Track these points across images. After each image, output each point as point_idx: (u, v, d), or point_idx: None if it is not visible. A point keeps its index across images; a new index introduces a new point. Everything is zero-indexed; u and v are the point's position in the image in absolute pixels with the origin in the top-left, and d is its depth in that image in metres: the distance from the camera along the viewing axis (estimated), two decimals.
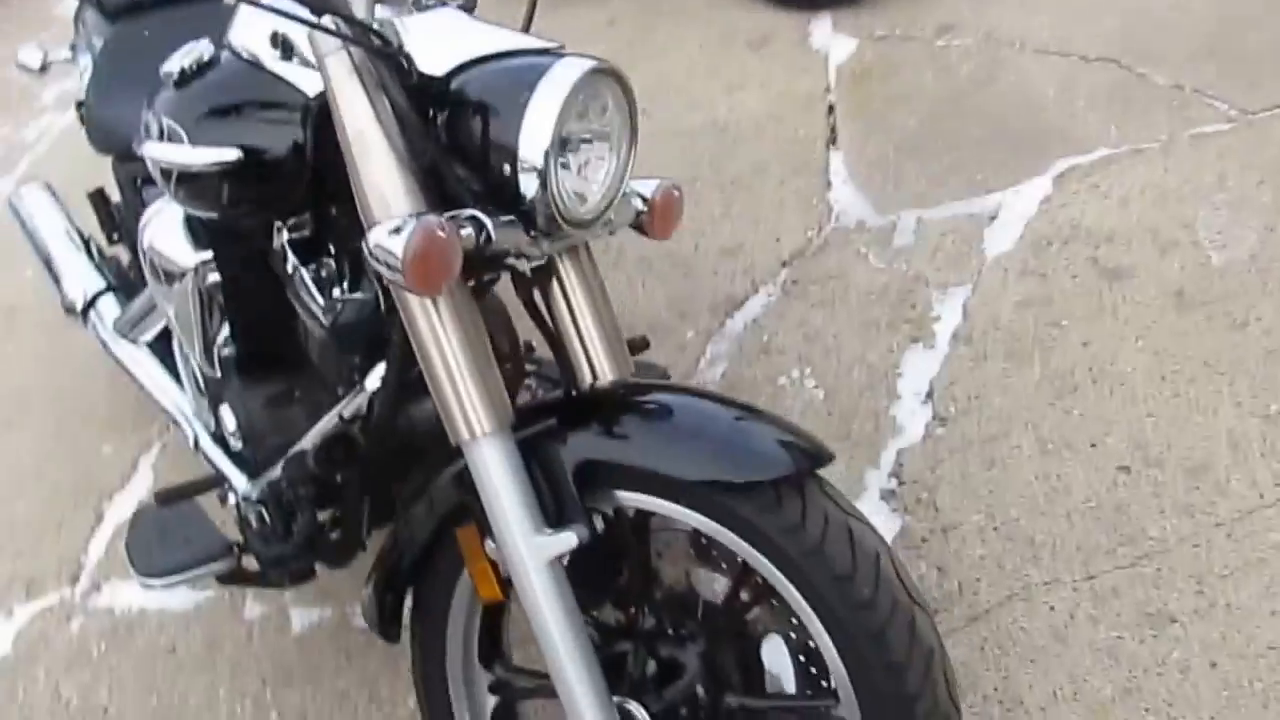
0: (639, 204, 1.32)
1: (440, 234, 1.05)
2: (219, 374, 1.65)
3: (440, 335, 1.14)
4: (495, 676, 1.37)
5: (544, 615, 1.16)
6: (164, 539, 1.54)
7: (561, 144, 1.14)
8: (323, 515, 1.55)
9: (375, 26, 1.15)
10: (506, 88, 1.14)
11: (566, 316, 1.30)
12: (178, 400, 1.86)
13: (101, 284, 2.07)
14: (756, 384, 2.16)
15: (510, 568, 1.17)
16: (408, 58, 1.16)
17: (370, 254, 1.07)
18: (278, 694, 1.84)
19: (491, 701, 1.36)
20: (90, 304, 2.04)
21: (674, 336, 2.33)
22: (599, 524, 1.20)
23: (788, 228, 2.54)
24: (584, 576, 1.26)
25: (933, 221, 2.44)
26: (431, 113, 1.18)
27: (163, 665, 1.94)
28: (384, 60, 1.14)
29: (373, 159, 1.14)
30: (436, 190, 1.15)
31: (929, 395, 2.02)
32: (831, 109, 2.93)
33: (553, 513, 1.18)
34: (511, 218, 1.14)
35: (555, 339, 1.31)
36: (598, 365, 1.30)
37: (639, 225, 1.34)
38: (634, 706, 1.23)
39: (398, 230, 1.05)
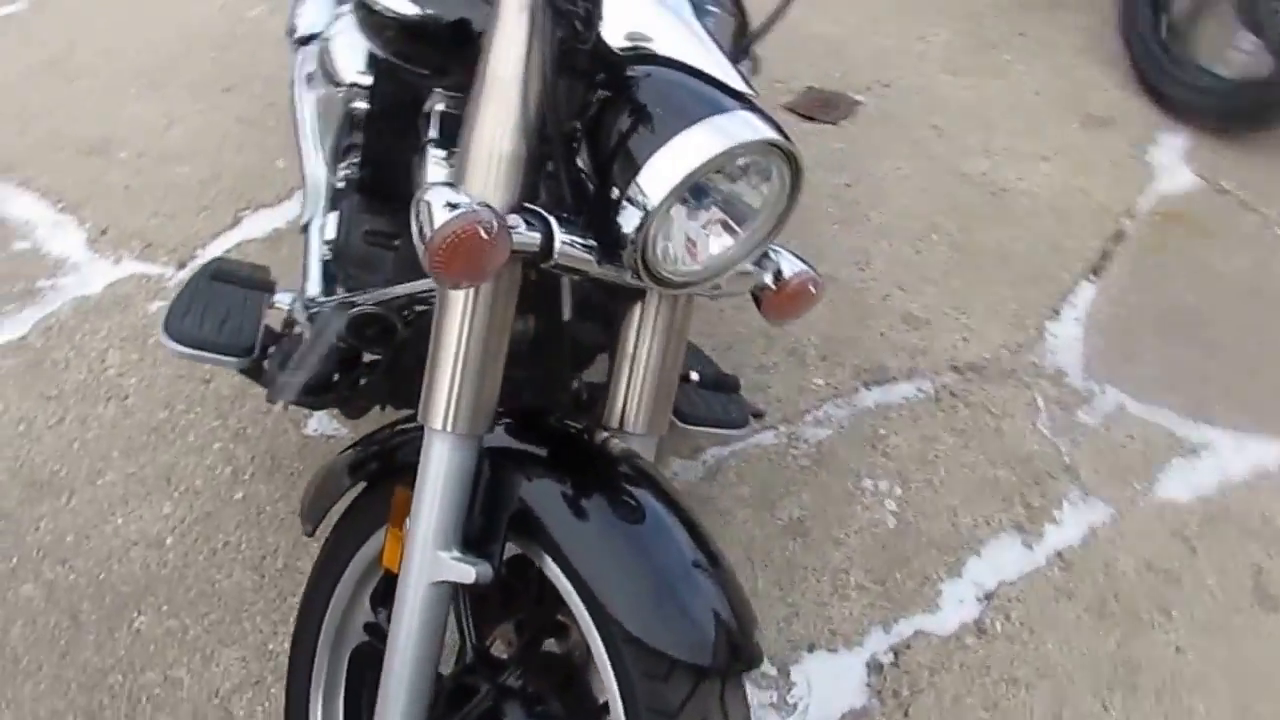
0: (766, 278, 1.16)
1: (483, 235, 0.93)
2: (339, 184, 1.63)
3: (460, 322, 1.05)
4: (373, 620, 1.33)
5: (402, 625, 1.10)
6: (205, 310, 1.55)
7: (694, 193, 1.00)
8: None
9: None
10: (668, 104, 0.98)
11: (629, 349, 1.18)
12: (315, 174, 1.85)
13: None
14: (842, 469, 1.99)
15: (402, 564, 1.11)
16: (589, 20, 1.02)
17: (414, 204, 0.97)
18: (258, 474, 1.89)
19: (357, 640, 1.33)
20: (306, 40, 2.04)
21: (805, 373, 2.16)
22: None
23: (985, 332, 2.29)
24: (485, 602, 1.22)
25: (1133, 419, 2.14)
26: (586, 87, 1.05)
27: (190, 391, 2.02)
28: (559, 15, 1.00)
29: (492, 110, 1.02)
30: (538, 168, 1.03)
31: (987, 596, 1.80)
32: (1119, 236, 2.58)
33: (472, 538, 1.11)
34: (592, 242, 1.02)
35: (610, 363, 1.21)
36: (630, 414, 1.20)
37: (755, 295, 1.20)
38: None
39: (449, 206, 0.94)
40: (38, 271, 2.26)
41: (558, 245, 1.00)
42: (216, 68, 2.89)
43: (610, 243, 1.00)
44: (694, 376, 1.62)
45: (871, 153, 2.76)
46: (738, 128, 0.96)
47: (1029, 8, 3.40)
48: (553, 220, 1.00)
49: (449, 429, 1.07)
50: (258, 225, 2.41)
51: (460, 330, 1.05)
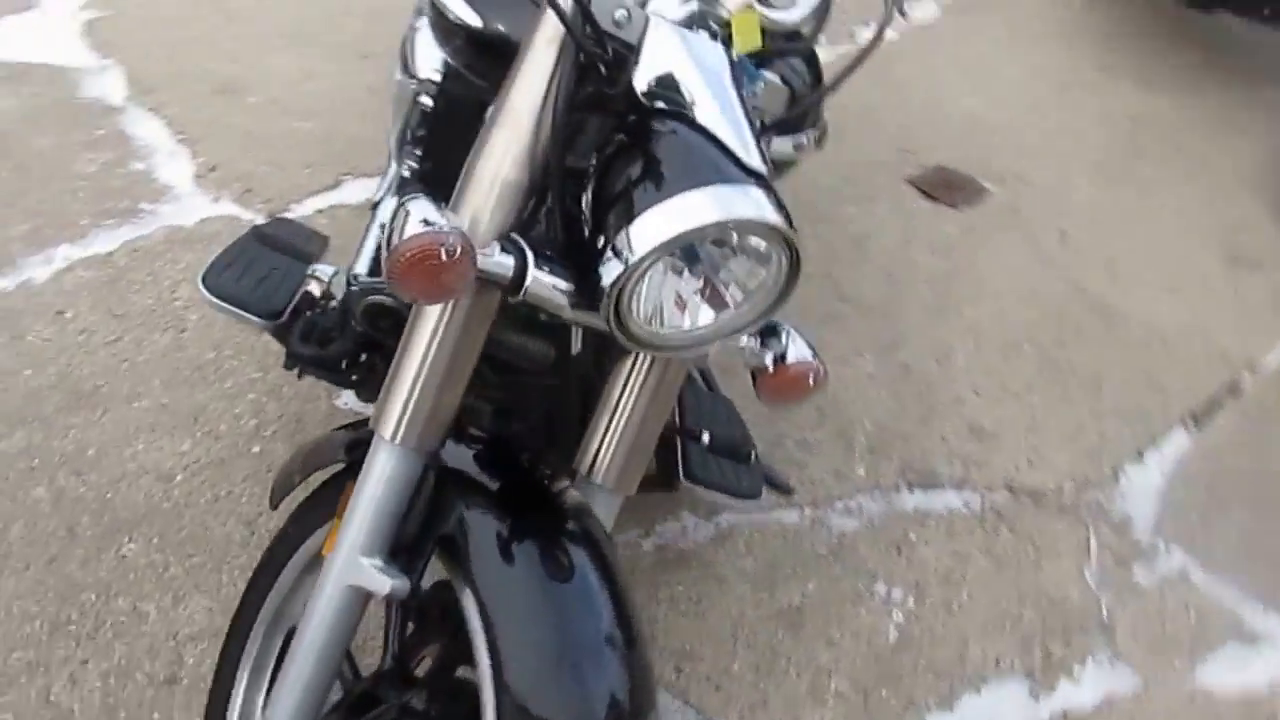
0: (767, 358, 1.10)
1: (444, 257, 0.90)
2: (404, 173, 1.63)
3: (428, 338, 1.03)
4: None
5: (312, 620, 1.09)
6: (247, 268, 1.57)
7: (687, 257, 0.95)
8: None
9: (614, 16, 0.98)
10: (679, 163, 0.94)
11: (613, 401, 1.15)
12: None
13: None
14: (858, 566, 1.88)
15: (326, 560, 1.09)
16: (619, 66, 0.98)
17: (395, 208, 0.95)
18: (279, 434, 1.92)
19: (293, 622, 1.32)
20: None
21: (848, 459, 2.06)
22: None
23: (1054, 459, 2.14)
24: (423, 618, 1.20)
25: (1194, 588, 1.96)
26: (609, 130, 1.02)
27: (241, 339, 2.06)
28: (587, 55, 0.97)
29: (503, 135, 0.99)
30: (539, 200, 1.00)
31: None
32: (1234, 389, 2.39)
33: (399, 551, 1.08)
34: (570, 285, 0.98)
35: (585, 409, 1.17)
36: (600, 467, 1.16)
37: (753, 373, 1.14)
38: None
39: (423, 221, 0.91)
40: (143, 194, 2.36)
41: (530, 279, 0.96)
42: (360, 35, 2.97)
43: (589, 288, 0.96)
44: (705, 438, 1.56)
45: (984, 245, 2.63)
46: (741, 202, 0.91)
47: (1193, 123, 3.20)
48: (530, 254, 0.97)
49: (395, 440, 1.05)
50: (354, 192, 2.46)
51: (427, 346, 1.03)
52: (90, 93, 2.66)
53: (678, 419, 1.76)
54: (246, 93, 2.70)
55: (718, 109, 0.99)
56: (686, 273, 0.98)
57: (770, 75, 1.12)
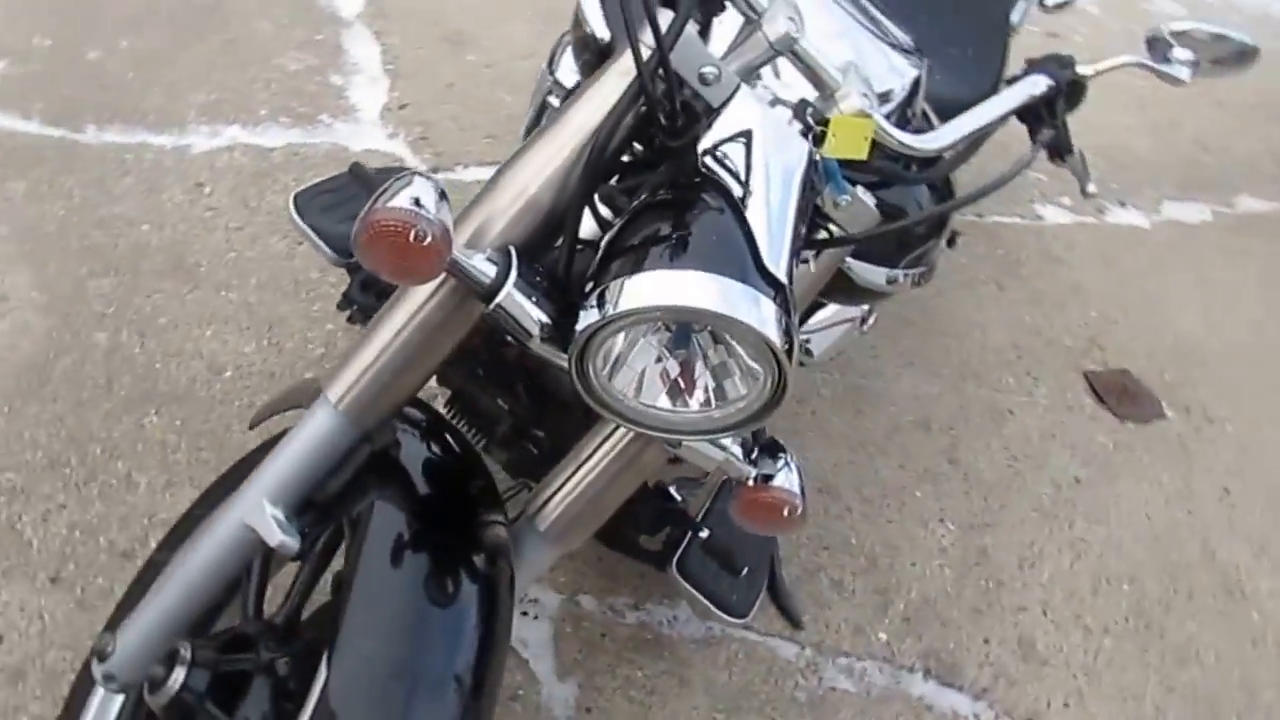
0: (748, 473, 1.06)
1: (411, 240, 0.84)
2: None
3: (401, 321, 0.98)
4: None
5: (194, 547, 1.06)
6: (338, 201, 1.58)
7: (678, 339, 0.88)
8: None
9: (700, 71, 0.91)
10: (703, 239, 0.86)
11: (581, 456, 1.13)
12: None
13: None
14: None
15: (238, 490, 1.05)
16: (684, 125, 0.90)
17: (397, 176, 0.90)
18: (337, 342, 1.92)
19: None
20: None
21: (875, 620, 1.89)
22: None
23: (1098, 712, 1.89)
24: None
25: None
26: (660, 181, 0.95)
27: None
28: (651, 104, 0.90)
29: (546, 150, 0.94)
30: (555, 225, 0.94)
31: None
32: None
33: (307, 511, 1.04)
34: (545, 318, 0.91)
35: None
36: (546, 514, 1.14)
37: (733, 484, 1.08)
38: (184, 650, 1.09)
39: (412, 199, 0.85)
40: (328, 107, 2.44)
41: (504, 295, 0.90)
42: None
43: (565, 326, 0.90)
44: (703, 533, 1.45)
45: (1133, 469, 2.37)
46: (744, 305, 0.82)
47: None
48: (515, 271, 0.90)
49: (336, 405, 1.01)
50: None
51: (399, 328, 0.99)
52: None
53: (709, 503, 1.66)
54: (469, 49, 2.76)
55: (769, 204, 0.91)
56: (670, 356, 0.90)
57: (864, 194, 1.02)
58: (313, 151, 2.31)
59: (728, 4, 0.94)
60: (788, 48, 0.92)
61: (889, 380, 2.32)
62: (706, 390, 0.89)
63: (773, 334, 0.82)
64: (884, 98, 1.12)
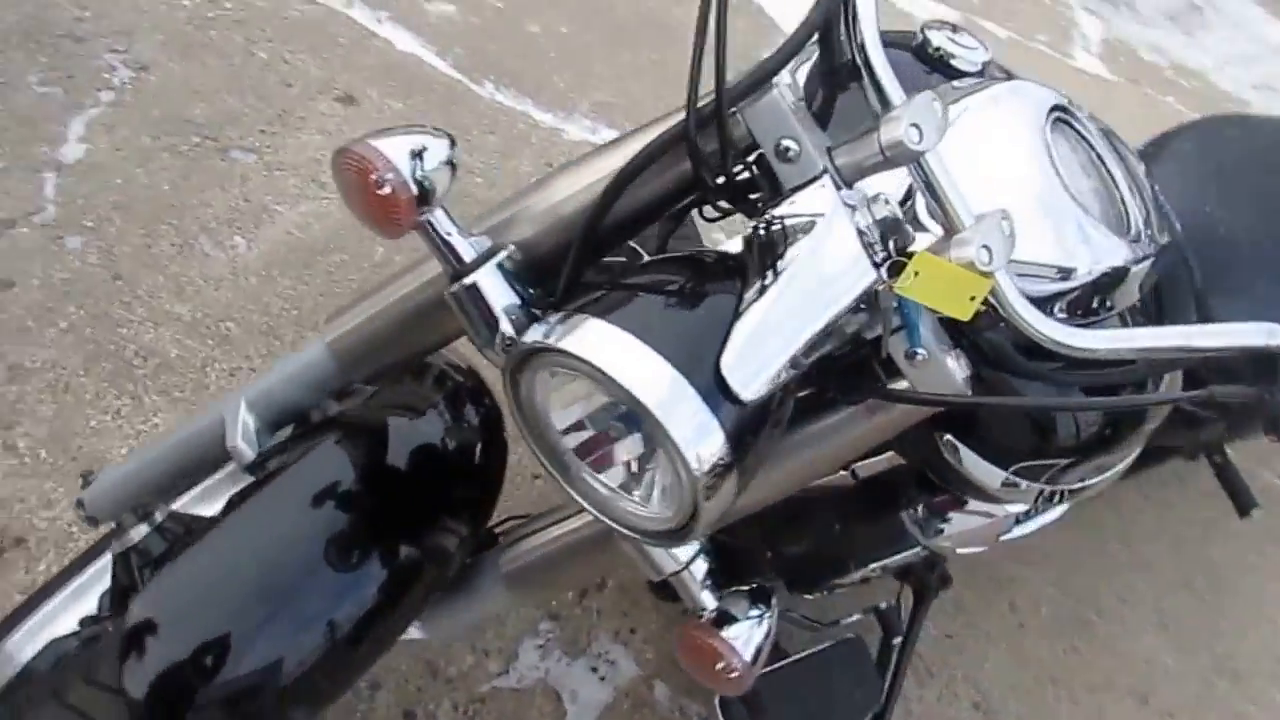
0: (708, 607, 0.96)
1: (372, 182, 0.79)
2: None
3: (407, 275, 0.96)
4: None
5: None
6: None
7: (627, 420, 0.77)
8: None
9: (779, 144, 0.77)
10: (692, 318, 0.75)
11: (564, 514, 1.05)
12: None
13: None
14: None
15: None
16: (716, 187, 0.80)
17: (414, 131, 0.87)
18: None
19: None
20: None
21: None
22: None
23: None
24: None
25: None
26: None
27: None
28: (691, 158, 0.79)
29: (594, 165, 0.88)
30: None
31: None
32: None
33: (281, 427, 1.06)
34: (510, 328, 0.84)
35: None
36: (512, 556, 1.09)
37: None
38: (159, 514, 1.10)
39: (412, 152, 0.81)
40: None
41: (475, 279, 0.84)
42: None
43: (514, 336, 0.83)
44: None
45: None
46: (680, 411, 0.69)
47: None
48: (497, 262, 0.85)
49: (328, 344, 1.01)
50: None
51: (405, 290, 0.96)
52: None
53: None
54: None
55: (780, 310, 0.73)
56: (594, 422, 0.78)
57: (954, 358, 0.80)
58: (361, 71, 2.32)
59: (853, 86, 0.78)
60: (903, 159, 0.73)
61: (1128, 631, 1.93)
62: (628, 472, 0.78)
63: (691, 448, 0.68)
64: (1062, 274, 0.86)
